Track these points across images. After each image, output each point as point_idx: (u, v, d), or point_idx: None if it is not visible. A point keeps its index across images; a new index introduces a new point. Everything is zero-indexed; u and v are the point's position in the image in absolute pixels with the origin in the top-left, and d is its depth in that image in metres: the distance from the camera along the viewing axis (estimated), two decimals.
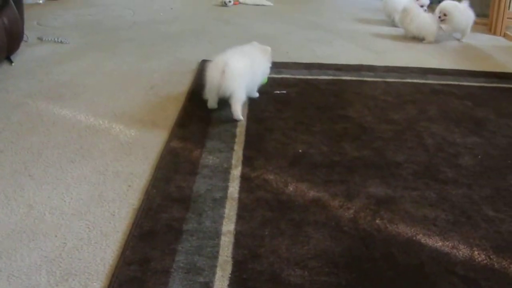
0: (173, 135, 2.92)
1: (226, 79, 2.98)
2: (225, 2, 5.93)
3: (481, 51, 4.71)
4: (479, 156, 2.80)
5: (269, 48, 3.50)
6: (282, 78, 3.78)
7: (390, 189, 2.44)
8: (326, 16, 5.74)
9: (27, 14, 5.39)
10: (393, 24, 5.33)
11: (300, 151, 2.79)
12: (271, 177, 2.53)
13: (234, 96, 3.04)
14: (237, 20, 5.42)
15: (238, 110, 3.06)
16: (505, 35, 5.19)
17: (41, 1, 6.06)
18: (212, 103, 3.23)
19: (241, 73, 3.04)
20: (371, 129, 3.05)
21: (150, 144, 2.85)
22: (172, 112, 3.21)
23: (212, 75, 3.05)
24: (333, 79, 3.80)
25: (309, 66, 4.03)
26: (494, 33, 5.23)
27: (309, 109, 3.30)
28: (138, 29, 5.01)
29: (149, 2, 6.20)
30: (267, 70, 3.45)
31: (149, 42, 4.65)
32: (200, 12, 5.74)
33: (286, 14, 5.77)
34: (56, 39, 4.65)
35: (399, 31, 5.13)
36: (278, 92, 3.53)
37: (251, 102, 3.36)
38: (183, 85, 3.63)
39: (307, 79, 3.78)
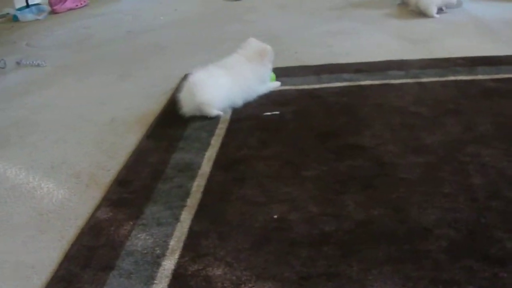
0: (106, 199, 2.01)
1: (192, 96, 2.52)
2: None
3: None
4: None
5: (268, 48, 2.70)
6: (280, 91, 2.76)
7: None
8: (358, 2, 4.57)
9: (21, 33, 4.74)
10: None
11: (275, 217, 1.78)
12: (218, 272, 1.56)
13: (206, 112, 2.54)
14: (247, 16, 4.41)
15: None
16: None
17: (40, 17, 5.32)
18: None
19: (208, 84, 2.53)
20: (391, 167, 1.98)
21: (75, 214, 1.99)
22: (120, 160, 2.30)
23: (182, 97, 2.58)
24: (347, 87, 2.73)
25: (319, 70, 2.97)
26: None
27: (307, 139, 2.27)
28: (129, 40, 4.13)
29: (154, 4, 5.30)
30: (266, 73, 2.75)
31: (136, 55, 3.75)
32: (206, 12, 4.77)
33: (309, 3, 4.67)
34: (33, 63, 3.89)
35: (451, 11, 3.90)
36: (269, 113, 2.52)
37: (227, 133, 2.37)
38: (151, 114, 2.70)
39: (313, 90, 2.73)
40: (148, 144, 2.41)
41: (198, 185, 2.02)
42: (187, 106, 2.56)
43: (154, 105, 2.84)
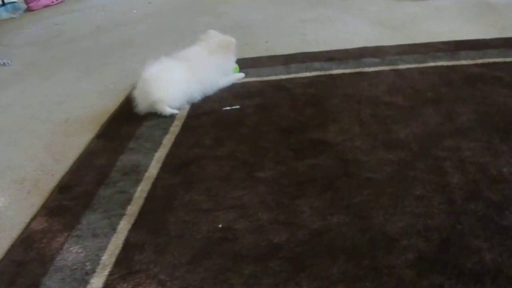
0: (44, 207, 1.78)
1: (145, 93, 2.27)
2: None
3: None
4: None
5: (232, 40, 2.48)
6: (243, 84, 2.49)
7: None
8: None
9: None
10: None
11: (220, 226, 1.52)
12: None
13: (159, 110, 2.28)
14: (221, 8, 4.13)
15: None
16: None
17: (15, 16, 5.04)
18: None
19: (161, 79, 2.28)
20: (357, 165, 1.72)
21: (11, 224, 1.76)
22: (66, 164, 2.07)
23: (136, 94, 2.33)
24: (317, 77, 2.46)
25: (289, 60, 2.70)
26: None
27: (266, 135, 2.00)
28: (98, 36, 3.86)
29: None
30: (229, 66, 2.51)
31: (102, 51, 3.48)
32: (180, 3, 4.49)
33: None
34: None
35: None
36: (229, 108, 2.25)
37: (181, 131, 2.11)
38: (106, 112, 2.45)
39: (279, 81, 2.46)
40: (97, 145, 2.15)
41: (141, 190, 1.76)
42: (141, 104, 2.31)
43: (111, 103, 2.58)
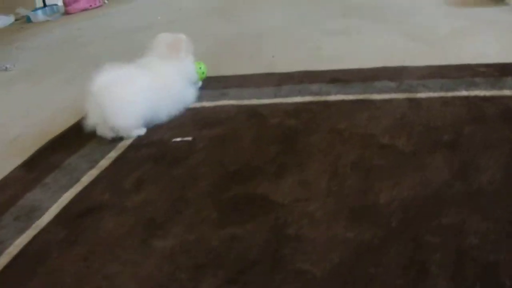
0: None
1: (105, 115, 1.75)
2: None
3: None
4: None
5: (180, 37, 1.98)
6: (214, 108, 1.94)
7: None
8: None
9: (22, 35, 4.23)
10: None
11: None
12: None
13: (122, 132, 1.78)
14: (246, 14, 3.60)
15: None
16: None
17: (51, 18, 4.84)
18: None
19: (124, 99, 1.76)
20: (293, 247, 1.13)
21: None
22: None
23: (89, 109, 1.81)
24: (308, 103, 1.86)
25: (283, 80, 2.12)
26: None
27: (201, 181, 1.46)
28: (108, 41, 3.45)
29: (164, 4, 4.62)
30: (189, 69, 2.00)
31: (102, 58, 3.03)
32: (209, 10, 4.00)
33: None
34: (1, 67, 3.31)
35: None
36: (179, 140, 1.71)
37: (110, 166, 1.61)
38: (58, 130, 1.99)
39: (257, 107, 1.88)
40: (15, 175, 1.69)
41: (18, 244, 1.27)
42: (93, 122, 1.82)
43: (72, 118, 2.11)
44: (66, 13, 5.00)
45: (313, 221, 1.19)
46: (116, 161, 1.66)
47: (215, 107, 1.94)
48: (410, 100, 1.78)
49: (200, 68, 2.10)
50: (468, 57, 2.10)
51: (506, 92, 1.73)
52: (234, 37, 2.90)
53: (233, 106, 1.93)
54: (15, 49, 3.86)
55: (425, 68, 2.04)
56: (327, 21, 3.02)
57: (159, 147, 1.71)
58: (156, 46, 1.94)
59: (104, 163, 1.66)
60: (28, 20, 4.91)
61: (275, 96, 1.96)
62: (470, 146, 1.44)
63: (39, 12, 4.92)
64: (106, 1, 5.26)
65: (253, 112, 1.84)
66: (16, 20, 5.12)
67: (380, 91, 1.88)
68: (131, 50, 2.63)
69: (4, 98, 2.61)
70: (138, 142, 1.77)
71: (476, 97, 1.74)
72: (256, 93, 2.02)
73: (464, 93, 1.78)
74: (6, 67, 3.29)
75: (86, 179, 1.57)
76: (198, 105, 1.97)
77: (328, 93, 1.91)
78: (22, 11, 5.06)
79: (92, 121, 1.83)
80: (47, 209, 1.44)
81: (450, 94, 1.79)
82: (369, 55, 2.33)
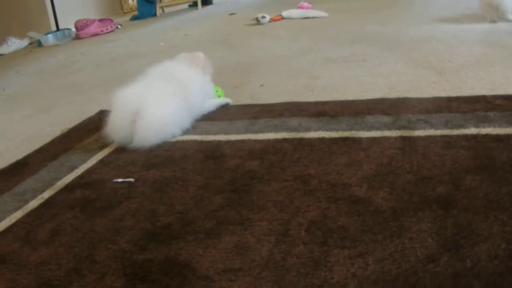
0: None
1: (140, 132, 1.63)
2: (258, 19, 3.88)
3: None
4: None
5: (199, 54, 1.96)
6: (175, 143, 1.65)
7: None
8: (393, 23, 3.27)
9: (26, 59, 4.10)
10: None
11: None
12: None
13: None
14: (249, 41, 3.34)
15: None
16: None
17: (60, 43, 4.72)
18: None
19: (165, 121, 1.67)
20: None
21: None
22: None
23: (116, 126, 1.68)
24: (280, 141, 1.56)
25: (262, 112, 1.83)
26: None
27: (126, 237, 1.14)
28: (101, 68, 3.25)
29: (177, 27, 4.42)
30: (208, 83, 1.95)
31: (86, 85, 2.85)
32: (214, 37, 3.76)
33: (334, 26, 3.47)
34: None
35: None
36: (120, 181, 1.42)
37: (36, 210, 1.36)
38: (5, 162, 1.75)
39: (221, 144, 1.59)
40: None
41: None
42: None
43: (22, 153, 1.87)
44: (77, 37, 4.88)
45: None
46: (45, 203, 1.39)
47: (175, 143, 1.65)
48: (404, 139, 1.44)
49: (217, 91, 2.01)
50: (484, 88, 1.75)
51: None
52: (228, 65, 2.63)
53: (195, 142, 1.63)
54: (14, 73, 3.73)
55: (430, 100, 1.71)
56: (332, 49, 2.71)
57: (95, 188, 1.43)
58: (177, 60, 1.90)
59: (33, 204, 1.40)
60: (39, 44, 4.82)
61: (246, 132, 1.65)
62: (469, 205, 1.09)
63: (50, 36, 4.84)
64: (119, 26, 5.13)
65: (213, 151, 1.54)
66: (30, 44, 5.06)
67: (370, 128, 1.55)
68: (116, 78, 2.42)
69: None
70: (78, 181, 1.49)
71: (487, 136, 1.39)
72: (226, 127, 1.72)
73: (472, 130, 1.44)
74: None
75: (4, 224, 1.30)
76: None
77: (308, 129, 1.59)
78: (35, 35, 4.98)
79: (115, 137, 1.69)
80: None
81: (455, 132, 1.45)
82: (370, 85, 2.00)
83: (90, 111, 2.19)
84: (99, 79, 2.91)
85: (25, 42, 5.04)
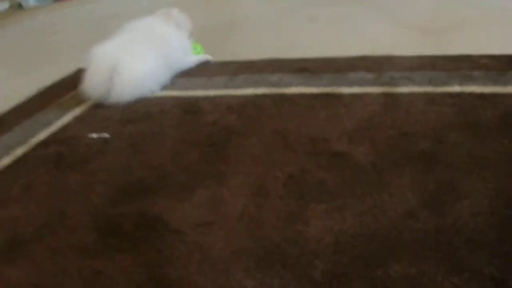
0: None
1: (117, 88, 1.57)
2: None
3: None
4: None
5: (175, 10, 1.89)
6: (153, 99, 1.60)
7: None
8: None
9: (5, 22, 3.96)
10: None
11: None
12: None
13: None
14: (233, 2, 3.23)
15: None
16: None
17: (39, 4, 4.54)
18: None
19: (143, 77, 1.60)
20: None
21: None
22: None
23: (93, 82, 1.61)
24: (260, 96, 1.51)
25: (241, 69, 1.78)
26: None
27: (98, 192, 1.09)
28: (75, 32, 3.13)
29: None
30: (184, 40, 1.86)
31: (68, 45, 2.76)
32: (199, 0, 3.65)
33: None
34: None
35: None
36: (95, 136, 1.36)
37: (8, 168, 1.29)
38: None
39: (199, 100, 1.55)
40: None
41: None
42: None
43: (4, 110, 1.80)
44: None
45: (206, 259, 0.83)
46: (18, 160, 1.35)
47: (153, 99, 1.59)
48: (387, 95, 1.41)
49: (196, 49, 1.93)
50: (470, 47, 1.71)
51: (511, 90, 1.34)
52: (210, 25, 2.55)
53: (173, 97, 1.58)
54: None
55: (414, 59, 1.66)
56: (316, 8, 2.63)
57: (70, 144, 1.38)
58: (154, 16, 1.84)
59: (6, 161, 1.34)
60: (19, 6, 4.66)
61: (225, 87, 1.60)
62: (452, 161, 1.07)
63: None
64: None
65: (191, 106, 1.49)
66: (10, 6, 4.88)
67: (352, 84, 1.50)
68: (98, 39, 2.35)
69: None
70: (52, 138, 1.44)
71: (471, 94, 1.36)
72: (204, 83, 1.67)
73: (457, 88, 1.40)
74: None
75: None
76: None
77: (289, 85, 1.55)
78: None
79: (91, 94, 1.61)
80: None
81: (439, 89, 1.41)
82: (353, 44, 1.95)
83: (70, 71, 2.11)
84: (80, 39, 2.81)
85: (5, 5, 4.87)
